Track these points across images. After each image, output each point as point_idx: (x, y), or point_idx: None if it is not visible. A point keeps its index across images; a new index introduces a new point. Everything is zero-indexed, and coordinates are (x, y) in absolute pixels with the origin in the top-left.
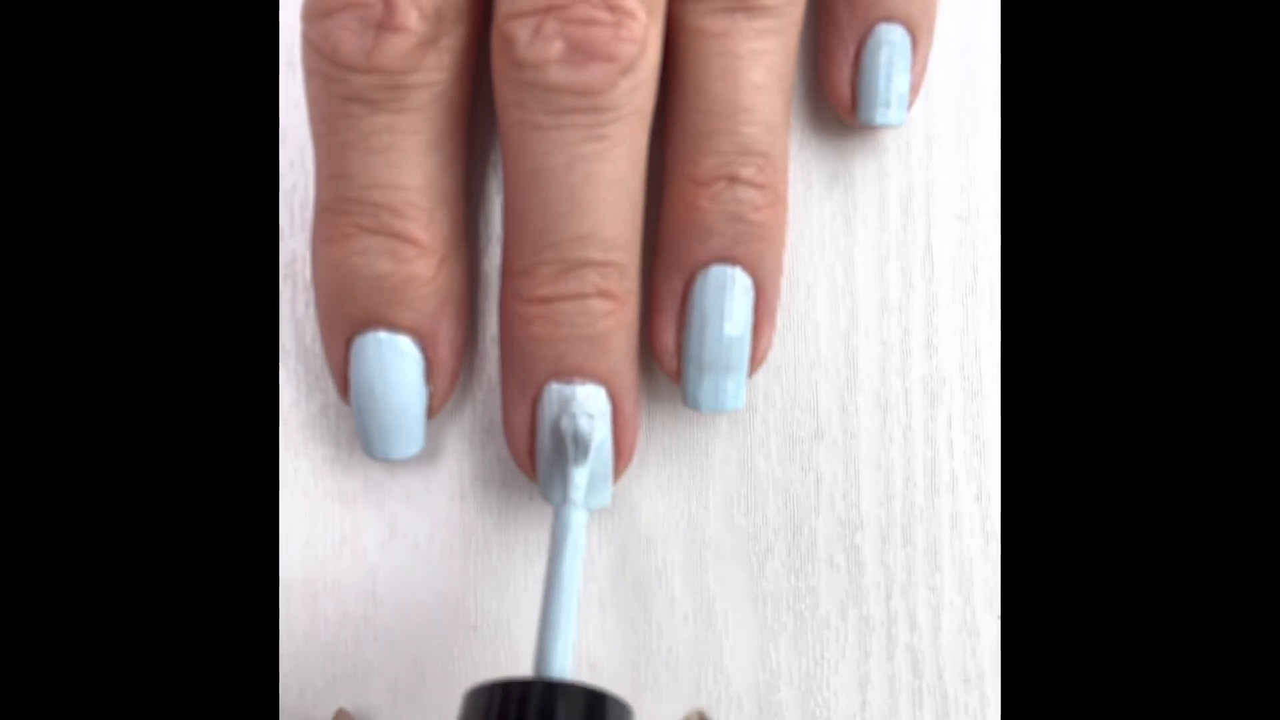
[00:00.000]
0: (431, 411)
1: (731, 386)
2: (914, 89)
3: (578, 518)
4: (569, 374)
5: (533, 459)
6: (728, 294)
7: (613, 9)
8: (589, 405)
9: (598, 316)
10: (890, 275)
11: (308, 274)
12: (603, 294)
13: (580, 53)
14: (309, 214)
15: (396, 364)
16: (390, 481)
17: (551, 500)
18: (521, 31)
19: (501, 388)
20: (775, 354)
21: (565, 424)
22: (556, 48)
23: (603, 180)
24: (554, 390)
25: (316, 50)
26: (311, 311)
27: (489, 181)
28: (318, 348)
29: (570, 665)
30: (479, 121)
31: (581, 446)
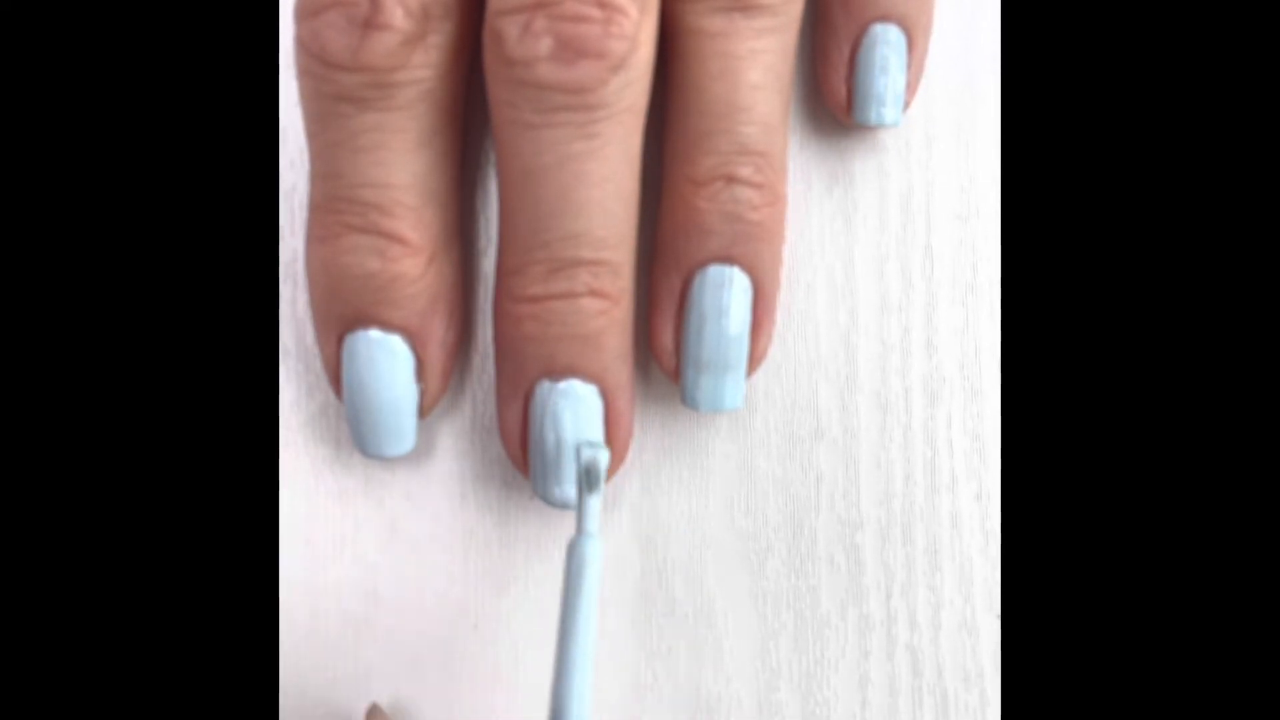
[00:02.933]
0: (423, 410)
1: (730, 386)
2: (911, 88)
3: (593, 551)
4: (560, 373)
5: (526, 456)
6: (726, 293)
7: (603, 6)
8: (588, 428)
9: (590, 315)
10: (890, 275)
11: None
12: (594, 293)
13: (569, 50)
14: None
15: (387, 362)
16: (391, 481)
17: (547, 499)
18: (511, 28)
19: (495, 386)
20: (775, 353)
21: (584, 454)
22: (545, 45)
23: (594, 179)
24: (546, 388)
25: (306, 49)
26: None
27: (489, 181)
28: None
29: (589, 714)
30: (478, 120)
31: (593, 476)
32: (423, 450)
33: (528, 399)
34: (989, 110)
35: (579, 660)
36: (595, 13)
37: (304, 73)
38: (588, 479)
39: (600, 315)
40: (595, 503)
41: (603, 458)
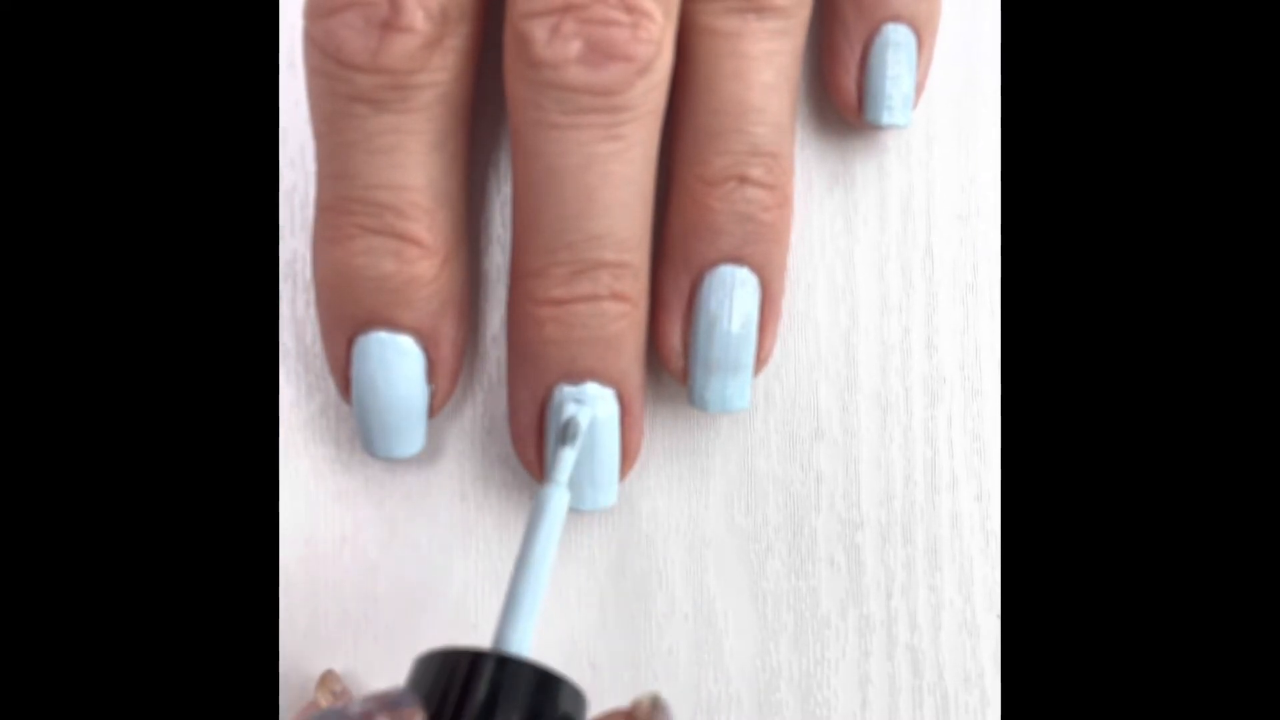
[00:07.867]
0: (433, 410)
1: (739, 386)
2: (918, 89)
3: (559, 499)
4: (580, 376)
5: (541, 461)
6: (736, 294)
7: (630, 10)
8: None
9: (611, 319)
10: (890, 275)
11: (308, 274)
12: (616, 296)
13: (599, 53)
14: (309, 214)
15: (399, 363)
16: (391, 481)
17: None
18: (539, 31)
19: (509, 389)
20: (775, 354)
21: (567, 410)
22: (575, 47)
23: (618, 180)
24: (564, 392)
25: (320, 49)
26: (311, 311)
27: (488, 182)
28: (318, 347)
29: (529, 643)
30: (478, 122)
31: (572, 429)
32: (423, 451)
33: (545, 403)
34: (989, 110)
35: (530, 591)
36: (623, 17)
37: (316, 72)
38: (565, 432)
39: (621, 318)
40: (568, 455)
41: (584, 416)
